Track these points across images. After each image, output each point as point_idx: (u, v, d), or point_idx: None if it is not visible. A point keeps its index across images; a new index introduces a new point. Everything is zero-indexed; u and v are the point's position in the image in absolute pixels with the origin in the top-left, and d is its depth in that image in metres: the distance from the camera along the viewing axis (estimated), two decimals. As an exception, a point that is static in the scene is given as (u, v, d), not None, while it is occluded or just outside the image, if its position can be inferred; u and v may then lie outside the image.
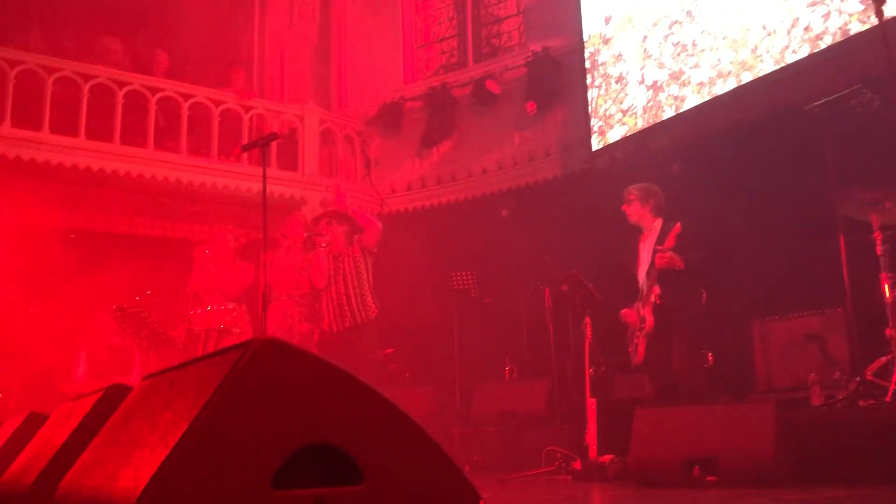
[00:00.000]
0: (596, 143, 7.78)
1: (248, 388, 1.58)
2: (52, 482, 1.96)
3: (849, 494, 3.22)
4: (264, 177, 4.61)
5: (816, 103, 4.30)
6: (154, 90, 8.15)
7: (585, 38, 8.06)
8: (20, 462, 2.56)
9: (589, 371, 5.29)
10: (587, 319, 5.37)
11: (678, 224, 4.74)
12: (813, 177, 5.09)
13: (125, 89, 7.95)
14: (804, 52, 5.87)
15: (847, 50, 5.52)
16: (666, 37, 7.08)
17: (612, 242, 6.56)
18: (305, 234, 6.19)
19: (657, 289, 4.89)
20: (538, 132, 8.71)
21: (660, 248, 4.81)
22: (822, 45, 5.75)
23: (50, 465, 2.14)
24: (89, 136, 7.67)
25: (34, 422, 3.00)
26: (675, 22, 6.99)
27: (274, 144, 7.99)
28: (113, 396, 2.23)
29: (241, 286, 6.51)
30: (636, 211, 5.19)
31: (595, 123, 7.80)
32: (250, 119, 8.70)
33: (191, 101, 8.33)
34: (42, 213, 7.86)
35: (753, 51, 6.23)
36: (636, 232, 5.29)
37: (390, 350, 7.56)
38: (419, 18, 10.31)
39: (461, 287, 7.61)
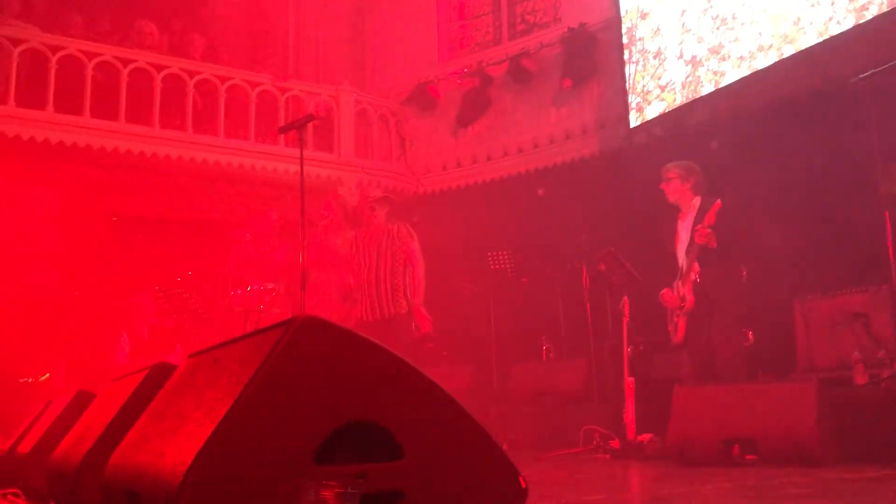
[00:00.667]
0: (634, 120, 7.70)
1: (290, 366, 1.61)
2: (102, 459, 2.01)
3: (893, 474, 3.18)
4: (301, 158, 4.64)
5: (861, 76, 4.20)
6: (192, 73, 8.24)
7: (622, 12, 7.94)
8: (70, 440, 2.64)
9: (627, 350, 5.26)
10: (625, 299, 5.35)
11: (718, 201, 4.68)
12: (857, 152, 4.98)
13: (163, 73, 8.06)
14: (849, 23, 5.71)
15: (894, 20, 5.36)
16: (705, 10, 6.94)
17: (650, 220, 6.50)
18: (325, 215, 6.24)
19: (697, 267, 4.84)
20: (575, 109, 8.63)
21: (700, 225, 4.75)
22: (868, 15, 5.59)
23: (99, 442, 2.20)
24: (129, 120, 7.80)
25: (82, 400, 3.08)
26: (715, -6, 6.85)
27: (310, 126, 8.03)
28: (158, 374, 2.28)
29: (281, 266, 6.59)
30: (675, 189, 5.14)
31: (633, 100, 7.71)
32: (286, 101, 8.76)
33: (228, 83, 8.41)
34: (84, 197, 8.04)
35: (796, 23, 6.08)
36: (675, 210, 5.23)
37: (428, 329, 7.61)
38: (455, -2, 10.25)
39: (497, 267, 7.61)
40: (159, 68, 8.05)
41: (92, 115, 7.64)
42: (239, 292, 6.21)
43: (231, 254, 6.64)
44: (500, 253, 7.63)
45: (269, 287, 6.24)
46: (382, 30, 10.23)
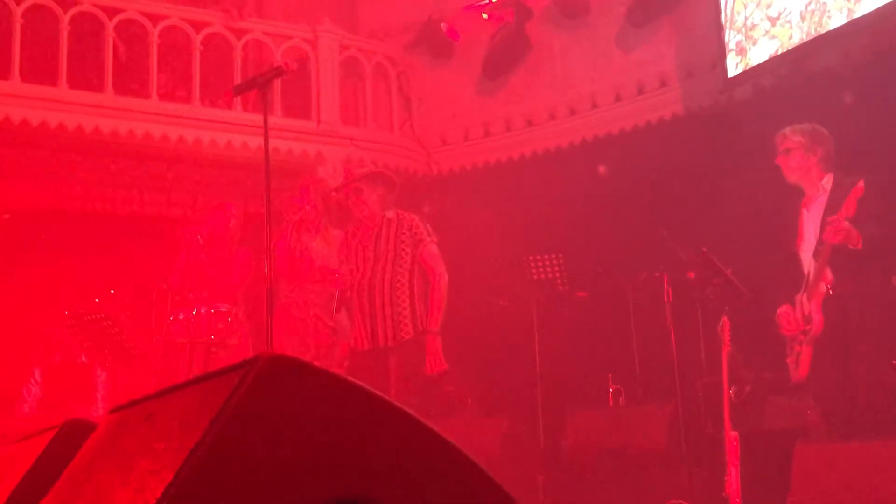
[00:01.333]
0: (733, 67, 7.66)
1: (251, 425, 1.60)
2: (-9, 554, 2.01)
3: None
4: (266, 128, 4.64)
5: None
6: (110, 10, 8.29)
7: (715, -84, 7.91)
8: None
9: (728, 392, 5.25)
10: (724, 319, 5.32)
11: (860, 182, 4.63)
12: None
13: (71, 11, 8.11)
14: None
15: None
16: None
17: (759, 209, 6.46)
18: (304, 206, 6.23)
19: (829, 275, 4.81)
20: (650, 53, 8.60)
21: (833, 217, 4.71)
22: None
23: (-13, 531, 2.20)
24: (24, 78, 7.85)
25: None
26: None
27: (278, 83, 8.05)
28: (70, 436, 2.27)
29: (239, 281, 6.61)
30: (798, 164, 5.11)
31: (731, 38, 7.67)
32: (244, 48, 8.79)
33: (162, 24, 8.46)
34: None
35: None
36: (796, 193, 5.19)
37: (444, 366, 7.60)
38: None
39: (543, 276, 7.58)
40: (65, 5, 8.11)
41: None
42: (182, 317, 6.22)
43: (174, 263, 6.66)
44: (546, 257, 7.61)
45: (224, 309, 6.25)
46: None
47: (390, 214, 5.73)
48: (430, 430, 1.74)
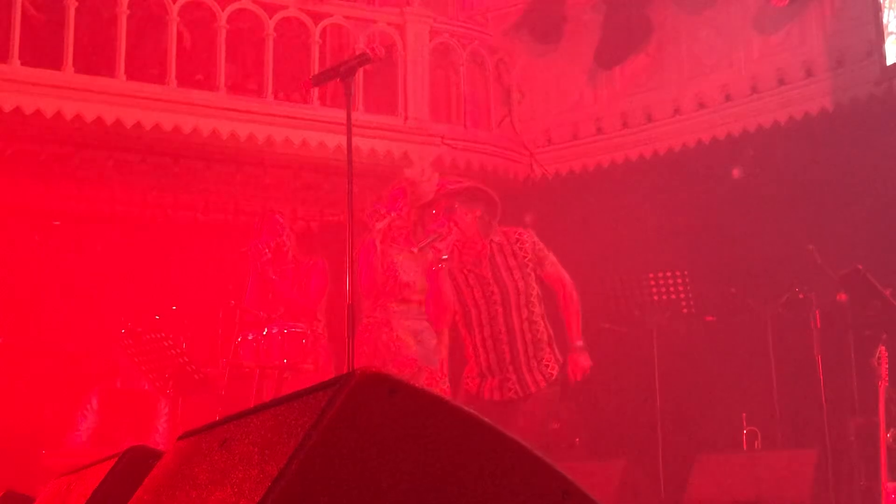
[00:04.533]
0: (893, 54, 7.51)
1: (342, 451, 1.61)
2: None
3: None
4: (349, 123, 4.69)
5: None
6: (173, -5, 8.48)
7: None
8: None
9: (886, 436, 5.14)
10: (882, 349, 5.23)
11: None
12: None
13: (130, -6, 8.31)
14: None
15: None
16: None
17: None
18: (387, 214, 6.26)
19: None
20: (792, 37, 8.48)
21: None
22: None
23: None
24: (78, 69, 8.05)
25: (13, 504, 3.17)
26: None
27: (360, 74, 8.13)
28: (133, 465, 2.32)
29: (316, 297, 6.68)
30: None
31: (892, 18, 7.53)
32: (322, 34, 8.89)
33: (231, 7, 8.60)
34: (4, 189, 8.35)
35: None
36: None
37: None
38: None
39: (665, 297, 7.52)
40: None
41: (21, 63, 7.93)
42: (251, 338, 6.31)
43: (243, 278, 6.76)
44: (668, 275, 7.55)
45: (298, 330, 6.32)
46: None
47: (497, 238, 5.45)
48: (541, 460, 1.74)
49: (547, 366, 5.38)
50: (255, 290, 6.68)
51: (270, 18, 8.72)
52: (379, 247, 6.40)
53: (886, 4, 7.60)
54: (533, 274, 5.41)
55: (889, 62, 7.56)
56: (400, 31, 9.19)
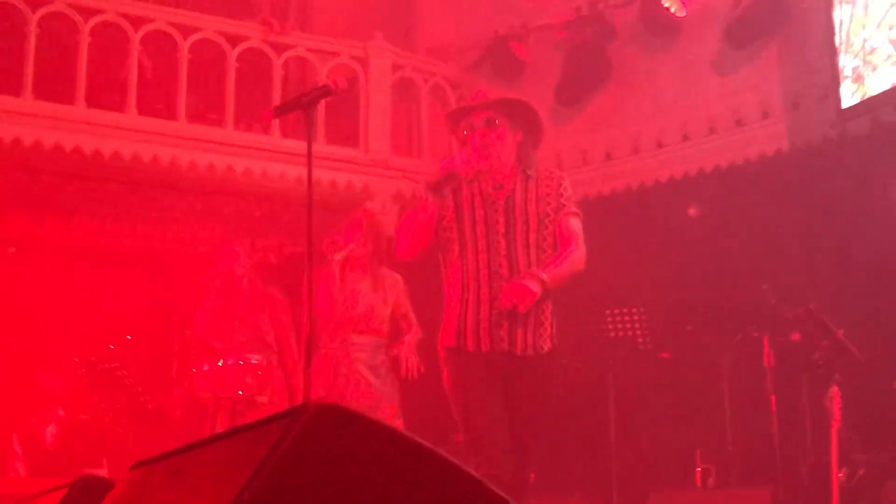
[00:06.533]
0: (848, 97, 7.59)
1: (295, 484, 1.60)
2: None
3: None
4: (309, 155, 4.66)
5: None
6: (136, 21, 8.45)
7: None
8: None
9: (838, 475, 5.15)
10: (835, 389, 5.25)
11: None
12: None
13: (92, 21, 8.28)
14: None
15: None
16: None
17: (878, 262, 6.36)
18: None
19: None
20: (749, 79, 8.56)
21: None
22: None
23: None
24: (38, 95, 8.00)
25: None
26: None
27: (322, 106, 8.13)
28: (85, 494, 2.29)
29: (270, 328, 6.64)
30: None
31: (847, 63, 7.62)
32: (285, 66, 8.90)
33: (193, 37, 8.60)
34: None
35: None
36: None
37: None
38: None
39: (621, 333, 7.54)
40: (86, 12, 8.27)
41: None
42: (206, 368, 6.25)
43: (199, 308, 6.71)
44: (624, 311, 7.57)
45: (254, 361, 6.27)
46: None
47: (531, 173, 4.50)
48: (496, 494, 1.73)
49: (541, 334, 4.36)
50: (211, 320, 6.63)
51: (233, 49, 8.72)
52: (338, 278, 6.37)
53: (842, 49, 7.69)
54: (552, 217, 4.43)
55: (844, 106, 7.63)
56: (362, 64, 9.22)
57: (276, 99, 8.55)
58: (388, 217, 8.67)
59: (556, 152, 9.45)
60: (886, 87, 7.34)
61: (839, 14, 7.73)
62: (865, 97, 7.49)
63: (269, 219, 8.59)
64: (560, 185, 4.52)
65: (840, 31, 7.70)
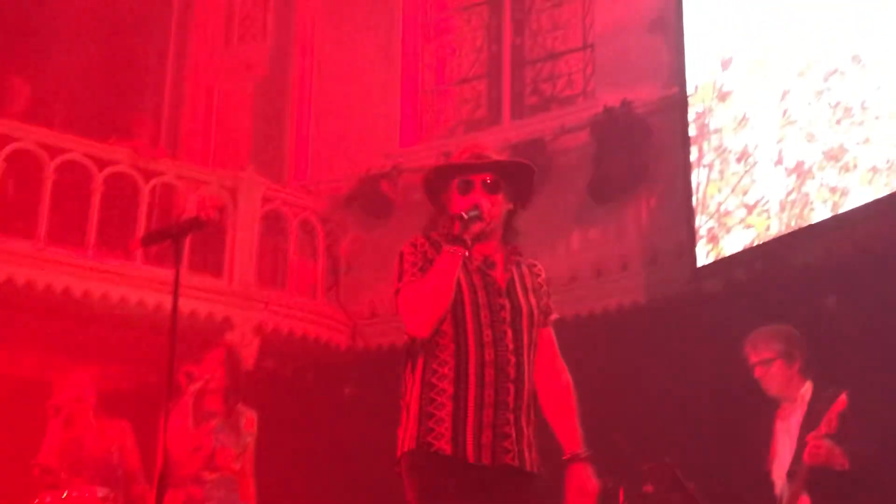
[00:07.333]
0: (704, 255, 7.82)
1: None
2: None
3: None
4: (176, 285, 4.57)
5: None
6: (1, 140, 8.29)
7: (690, 89, 8.22)
8: None
9: None
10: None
11: (843, 395, 4.68)
12: None
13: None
14: None
15: None
16: (819, 93, 7.20)
17: (727, 416, 6.47)
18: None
19: (807, 500, 4.79)
20: (610, 233, 8.77)
21: (812, 434, 4.73)
22: None
23: None
24: None
25: None
26: (835, 71, 7.12)
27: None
28: None
29: (119, 461, 6.43)
30: (780, 375, 5.15)
31: (703, 223, 7.86)
32: (152, 192, 8.80)
33: (60, 158, 8.45)
34: None
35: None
36: (770, 402, 5.23)
37: None
38: (429, 47, 10.58)
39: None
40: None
41: None
42: (49, 500, 5.99)
43: (44, 437, 6.46)
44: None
45: (100, 494, 6.03)
46: (315, 89, 10.47)
47: (514, 254, 3.83)
48: None
49: (506, 444, 3.52)
50: (56, 450, 6.38)
51: (100, 172, 8.59)
52: (192, 412, 6.21)
53: (699, 210, 7.92)
54: (542, 315, 3.79)
55: (699, 264, 7.83)
56: (232, 194, 9.15)
57: (142, 224, 8.43)
58: (249, 350, 8.54)
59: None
60: (739, 248, 7.58)
61: (697, 176, 8.00)
62: (720, 257, 7.71)
63: (124, 347, 8.36)
64: (547, 280, 3.90)
65: (697, 192, 7.96)
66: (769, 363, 5.19)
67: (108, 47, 10.51)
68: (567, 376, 3.80)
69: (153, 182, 8.83)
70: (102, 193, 8.55)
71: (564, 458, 3.62)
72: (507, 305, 3.63)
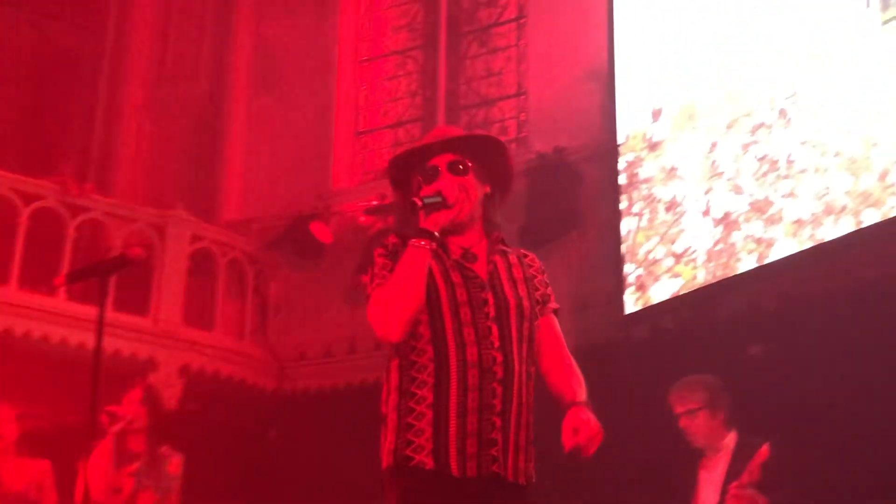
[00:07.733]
0: (632, 303, 7.88)
1: None
2: None
3: None
4: (101, 324, 4.49)
5: None
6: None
7: (621, 139, 8.29)
8: None
9: None
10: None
11: (765, 446, 4.71)
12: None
13: None
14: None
15: None
16: (746, 146, 7.30)
17: (652, 467, 6.48)
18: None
19: (730, 551, 4.80)
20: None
21: (736, 485, 4.75)
22: None
23: None
24: None
25: None
26: (762, 125, 7.23)
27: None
28: None
29: (34, 500, 6.29)
30: (705, 426, 5.16)
31: (632, 271, 7.92)
32: (79, 228, 8.67)
33: (-16, 193, 8.33)
34: None
35: (883, 177, 6.42)
36: (693, 453, 5.24)
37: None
38: (364, 88, 10.60)
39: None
40: None
41: None
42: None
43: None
44: None
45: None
46: (247, 129, 10.41)
47: (498, 243, 3.46)
48: None
49: (531, 458, 3.27)
50: None
51: (27, 207, 8.47)
52: (114, 453, 6.10)
53: (627, 258, 7.97)
54: (540, 304, 3.47)
55: (627, 311, 7.88)
56: (160, 233, 9.09)
57: (67, 261, 8.33)
58: (173, 390, 8.42)
59: (351, 335, 9.40)
60: (666, 296, 7.63)
61: (626, 224, 8.07)
62: (647, 304, 7.76)
63: (45, 385, 8.18)
64: (542, 269, 3.56)
65: (626, 241, 8.03)
66: (694, 413, 5.20)
67: (39, 83, 10.42)
68: (575, 364, 3.53)
69: (80, 218, 8.75)
70: (28, 229, 8.44)
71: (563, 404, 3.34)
72: (491, 300, 3.28)
